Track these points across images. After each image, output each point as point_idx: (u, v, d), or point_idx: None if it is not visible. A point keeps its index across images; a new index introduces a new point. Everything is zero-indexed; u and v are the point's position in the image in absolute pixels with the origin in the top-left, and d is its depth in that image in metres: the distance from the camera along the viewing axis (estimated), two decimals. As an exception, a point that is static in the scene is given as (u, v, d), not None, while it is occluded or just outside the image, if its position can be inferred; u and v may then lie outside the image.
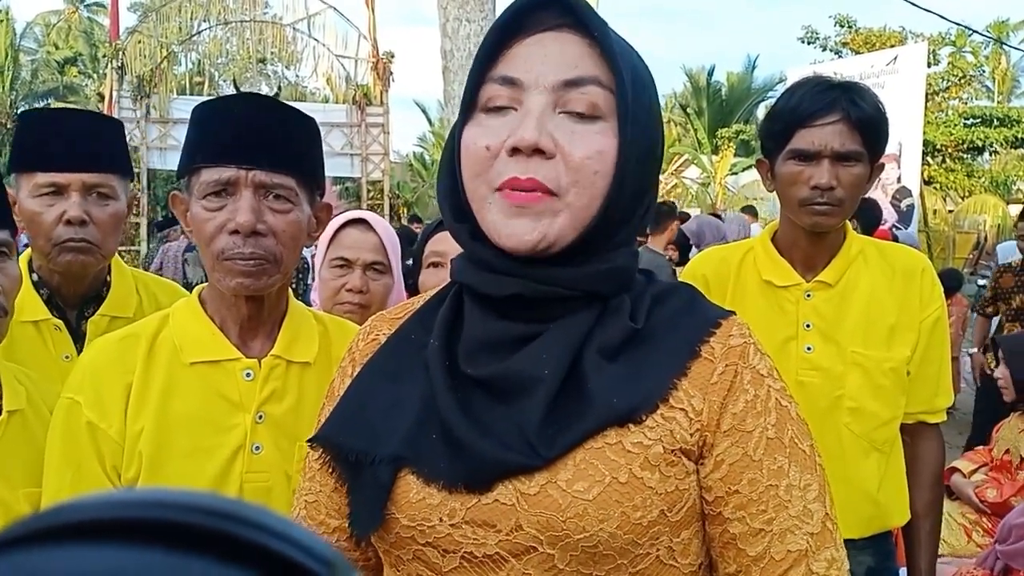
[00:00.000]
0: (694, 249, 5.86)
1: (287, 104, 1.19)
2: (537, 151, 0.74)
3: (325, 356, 1.21)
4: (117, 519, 0.26)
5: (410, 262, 1.98)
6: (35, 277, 1.56)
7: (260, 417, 1.14)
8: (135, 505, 0.26)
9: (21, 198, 1.50)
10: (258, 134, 1.09)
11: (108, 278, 1.62)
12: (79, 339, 1.55)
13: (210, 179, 1.09)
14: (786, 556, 0.75)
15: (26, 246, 1.67)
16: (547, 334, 0.78)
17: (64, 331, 1.54)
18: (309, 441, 0.87)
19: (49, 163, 1.49)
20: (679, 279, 1.74)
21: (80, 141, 1.52)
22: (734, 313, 0.84)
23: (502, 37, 0.79)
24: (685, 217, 7.55)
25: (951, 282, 5.97)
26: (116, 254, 1.67)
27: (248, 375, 1.15)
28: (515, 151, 0.75)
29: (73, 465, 1.11)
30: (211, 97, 1.38)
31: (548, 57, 0.77)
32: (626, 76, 0.76)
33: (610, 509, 0.72)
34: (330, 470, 0.84)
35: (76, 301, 1.58)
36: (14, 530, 0.26)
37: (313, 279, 2.02)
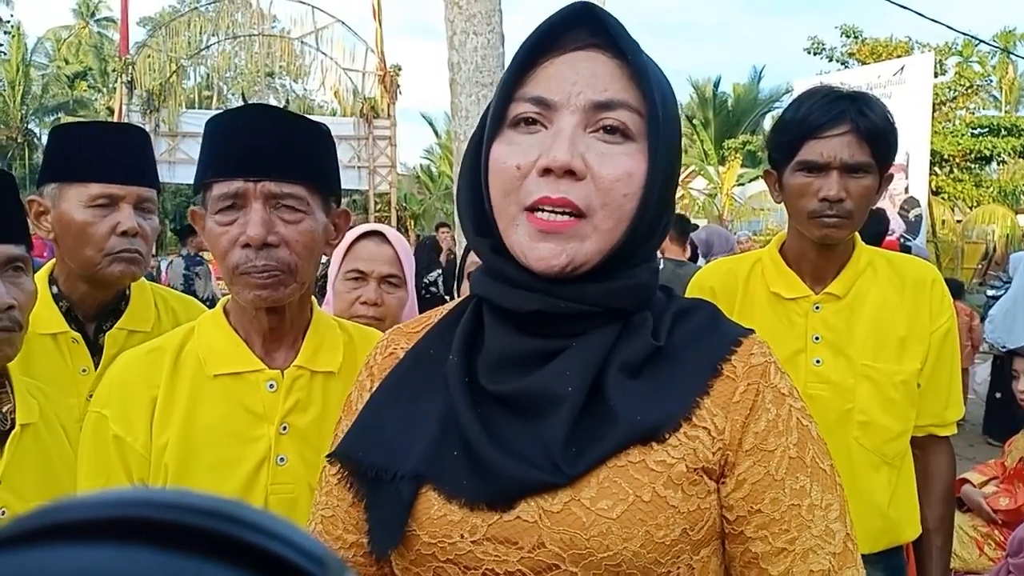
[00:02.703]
0: (701, 260, 5.85)
1: (294, 113, 1.19)
2: (568, 172, 0.75)
3: (350, 365, 1.20)
4: (108, 518, 0.26)
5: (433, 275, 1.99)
6: (54, 290, 1.57)
7: (284, 428, 1.14)
8: (127, 504, 0.26)
9: (66, 208, 1.51)
10: (265, 145, 1.09)
11: (127, 292, 1.63)
12: (96, 352, 1.57)
13: (220, 193, 1.09)
14: None
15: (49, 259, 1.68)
16: (569, 351, 0.78)
17: (81, 344, 1.55)
18: (328, 456, 0.87)
19: (107, 175, 1.51)
20: (686, 292, 1.73)
21: (135, 155, 1.56)
22: (753, 331, 0.84)
23: (533, 54, 0.78)
24: (693, 228, 7.61)
25: (952, 290, 5.95)
26: None
27: (271, 386, 1.15)
28: (546, 171, 0.75)
29: (102, 478, 1.12)
30: (220, 110, 1.38)
31: (579, 78, 0.76)
32: (658, 99, 0.76)
33: (634, 528, 0.72)
34: (348, 485, 0.84)
35: (95, 314, 1.59)
36: (5, 531, 0.26)
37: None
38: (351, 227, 1.85)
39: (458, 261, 1.95)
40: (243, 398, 1.14)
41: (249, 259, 1.08)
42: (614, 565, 0.72)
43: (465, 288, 1.75)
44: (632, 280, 0.79)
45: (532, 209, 0.76)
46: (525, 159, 0.76)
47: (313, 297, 1.27)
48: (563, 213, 0.75)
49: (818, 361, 1.54)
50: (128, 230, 1.51)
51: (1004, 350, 5.84)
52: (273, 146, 1.10)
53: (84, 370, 1.54)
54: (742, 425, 0.77)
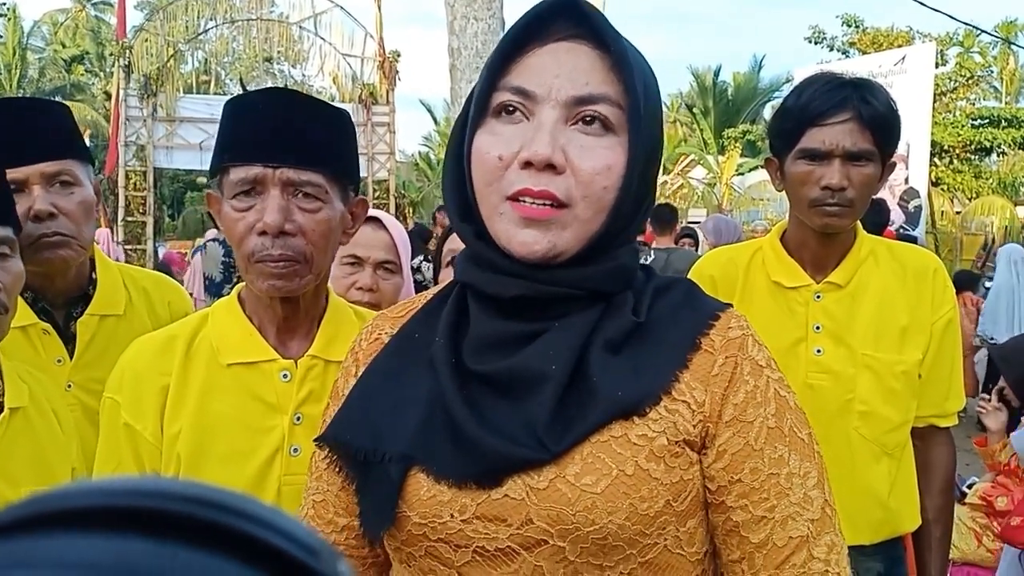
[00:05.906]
0: (703, 247, 5.86)
1: (316, 99, 1.17)
2: (549, 166, 0.76)
3: None
4: (97, 507, 0.26)
5: (415, 261, 1.97)
6: None
7: (298, 419, 1.13)
8: (116, 493, 0.26)
9: None
10: (285, 130, 1.07)
11: (93, 275, 1.57)
12: (69, 341, 1.51)
13: (238, 178, 1.07)
14: (788, 542, 0.78)
15: None
16: (553, 331, 0.80)
17: (53, 334, 1.50)
18: (315, 440, 0.88)
19: (4, 161, 1.39)
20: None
21: (28, 131, 1.44)
22: (731, 305, 0.87)
23: (517, 43, 0.80)
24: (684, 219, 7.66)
25: (963, 280, 6.12)
26: (97, 249, 1.61)
27: (285, 376, 1.14)
28: (527, 164, 0.77)
29: (113, 463, 1.12)
30: (218, 96, 1.34)
31: (561, 70, 0.78)
32: (639, 91, 0.78)
33: (618, 501, 0.74)
34: (337, 469, 0.86)
35: (62, 302, 1.53)
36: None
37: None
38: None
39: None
40: (256, 388, 1.13)
41: (265, 247, 1.07)
42: (600, 538, 0.74)
43: (444, 275, 1.73)
44: (613, 262, 0.82)
45: (514, 198, 0.77)
46: (507, 150, 0.78)
47: (330, 285, 1.25)
48: (545, 203, 0.77)
49: (819, 351, 1.53)
50: (39, 213, 1.40)
51: (991, 342, 5.90)
52: (294, 132, 1.08)
53: (59, 360, 1.49)
54: (721, 397, 0.79)
